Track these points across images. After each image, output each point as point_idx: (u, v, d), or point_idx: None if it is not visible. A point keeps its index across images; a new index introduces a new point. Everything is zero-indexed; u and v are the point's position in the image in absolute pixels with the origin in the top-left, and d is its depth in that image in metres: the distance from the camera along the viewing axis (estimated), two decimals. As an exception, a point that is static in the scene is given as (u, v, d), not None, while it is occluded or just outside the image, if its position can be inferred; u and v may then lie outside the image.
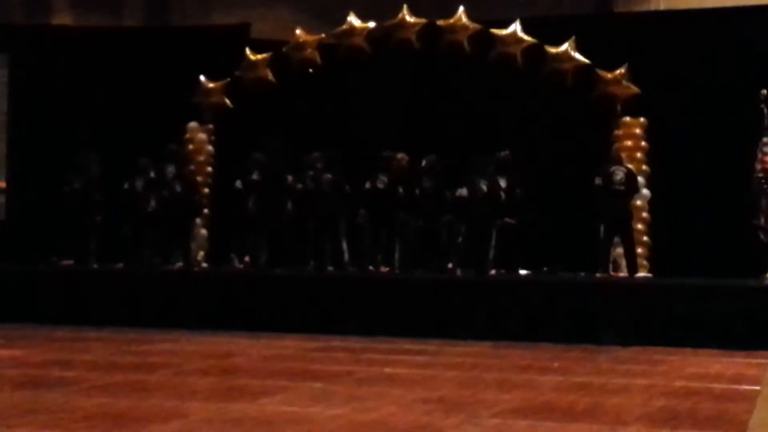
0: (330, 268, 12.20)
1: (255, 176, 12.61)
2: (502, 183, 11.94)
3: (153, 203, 12.66)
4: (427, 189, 12.11)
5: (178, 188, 12.77)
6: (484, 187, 11.81)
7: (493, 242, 11.85)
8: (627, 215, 11.69)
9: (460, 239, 12.03)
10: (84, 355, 8.55)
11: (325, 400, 6.03)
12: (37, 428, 4.99)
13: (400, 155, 12.25)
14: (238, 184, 12.76)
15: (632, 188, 11.72)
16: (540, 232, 12.36)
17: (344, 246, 12.48)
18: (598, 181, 11.60)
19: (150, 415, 5.41)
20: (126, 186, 12.85)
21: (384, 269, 12.09)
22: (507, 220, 11.87)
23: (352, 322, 10.86)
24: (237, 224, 12.87)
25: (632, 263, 11.61)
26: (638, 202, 12.08)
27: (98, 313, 11.63)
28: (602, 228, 11.74)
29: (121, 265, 12.71)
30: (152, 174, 12.88)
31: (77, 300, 11.88)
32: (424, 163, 12.22)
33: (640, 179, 12.05)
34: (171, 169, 12.91)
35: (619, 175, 11.64)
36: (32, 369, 7.51)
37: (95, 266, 12.71)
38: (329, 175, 12.38)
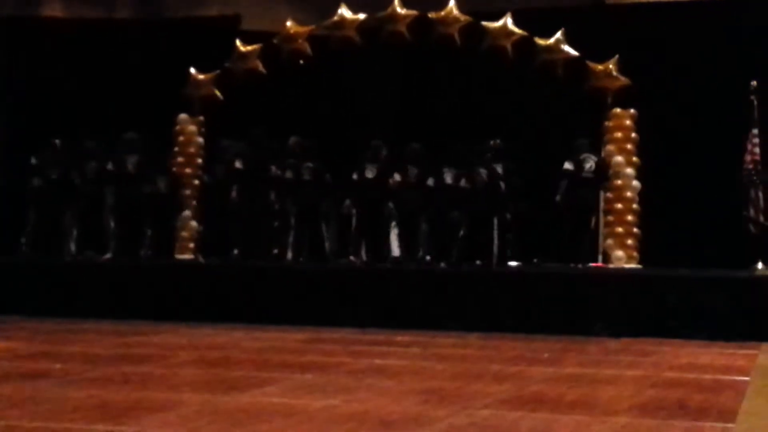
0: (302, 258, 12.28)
1: (238, 164, 12.66)
2: (484, 174, 12.00)
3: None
4: (409, 178, 12.19)
5: (161, 184, 12.85)
6: (453, 178, 11.95)
7: (461, 233, 11.92)
8: (593, 204, 11.74)
9: (424, 229, 12.17)
10: (76, 347, 8.55)
11: (317, 392, 6.04)
12: (31, 420, 4.99)
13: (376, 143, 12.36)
14: (206, 178, 12.89)
15: (602, 176, 11.72)
16: (530, 224, 12.40)
17: (326, 236, 12.52)
18: (568, 165, 11.64)
19: (143, 406, 5.42)
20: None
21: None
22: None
23: (343, 314, 10.88)
24: (220, 216, 12.91)
25: (590, 251, 11.64)
26: (628, 194, 12.11)
27: (90, 305, 11.63)
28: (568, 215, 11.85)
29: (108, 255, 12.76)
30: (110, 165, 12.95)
31: (69, 292, 11.87)
32: (405, 152, 12.33)
33: (629, 170, 12.09)
34: (132, 160, 12.92)
35: (590, 162, 11.69)
36: (24, 361, 7.50)
37: (84, 257, 12.75)
38: (310, 164, 12.39)
